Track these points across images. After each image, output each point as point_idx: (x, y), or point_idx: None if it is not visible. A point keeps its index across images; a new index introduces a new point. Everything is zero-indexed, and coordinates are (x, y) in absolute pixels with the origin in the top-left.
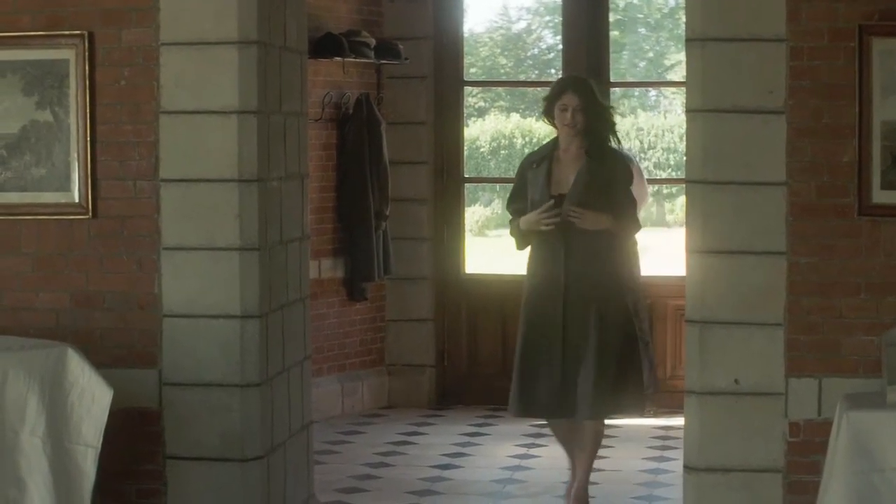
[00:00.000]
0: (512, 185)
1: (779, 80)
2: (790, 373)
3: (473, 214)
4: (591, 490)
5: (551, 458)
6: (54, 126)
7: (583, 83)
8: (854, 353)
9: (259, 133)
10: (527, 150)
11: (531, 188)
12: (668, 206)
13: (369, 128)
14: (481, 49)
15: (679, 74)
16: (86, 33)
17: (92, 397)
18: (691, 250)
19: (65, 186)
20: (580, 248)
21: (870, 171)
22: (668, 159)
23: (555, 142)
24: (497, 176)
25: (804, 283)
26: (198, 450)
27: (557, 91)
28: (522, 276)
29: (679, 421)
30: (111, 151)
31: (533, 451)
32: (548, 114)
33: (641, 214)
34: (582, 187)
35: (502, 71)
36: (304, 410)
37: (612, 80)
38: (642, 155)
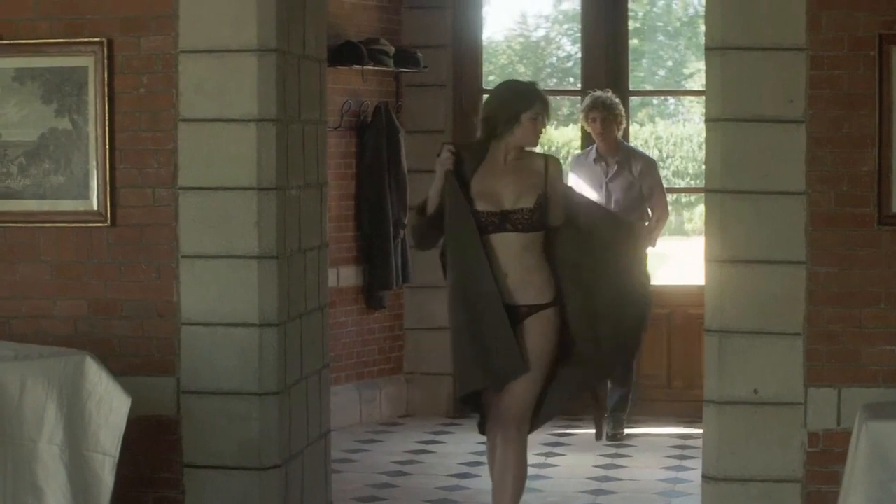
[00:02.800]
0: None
1: (799, 90)
2: (809, 382)
3: None
4: (610, 499)
5: (569, 466)
6: (73, 134)
7: (544, 93)
8: (874, 362)
9: (278, 141)
10: None
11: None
12: (686, 214)
13: (388, 136)
14: (500, 57)
15: (698, 83)
16: (105, 41)
17: (110, 405)
18: (710, 259)
19: (83, 194)
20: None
21: (890, 181)
22: (686, 168)
23: (484, 149)
24: None
25: (824, 293)
26: (216, 458)
27: (530, 100)
28: None
29: (698, 430)
30: (130, 159)
31: (551, 461)
32: (512, 122)
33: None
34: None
35: (521, 79)
36: (323, 419)
37: (631, 88)
38: (661, 163)
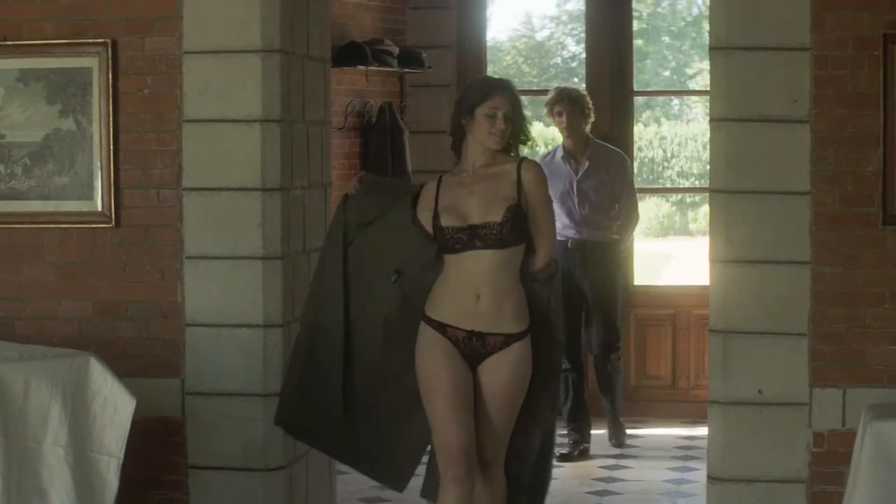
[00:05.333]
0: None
1: (803, 89)
2: (814, 383)
3: None
4: (615, 500)
5: (574, 467)
6: (77, 134)
7: (510, 85)
8: (878, 363)
9: (282, 142)
10: None
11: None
12: (691, 214)
13: (392, 136)
14: (504, 57)
15: (702, 83)
16: (109, 41)
17: (115, 406)
18: (715, 259)
19: (87, 195)
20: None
21: (894, 181)
22: (691, 168)
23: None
24: None
25: (828, 293)
26: (220, 459)
27: (484, 93)
28: None
29: (703, 431)
30: (134, 160)
31: (556, 462)
32: (469, 120)
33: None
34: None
35: (525, 79)
36: None
37: (635, 88)
38: (665, 164)
